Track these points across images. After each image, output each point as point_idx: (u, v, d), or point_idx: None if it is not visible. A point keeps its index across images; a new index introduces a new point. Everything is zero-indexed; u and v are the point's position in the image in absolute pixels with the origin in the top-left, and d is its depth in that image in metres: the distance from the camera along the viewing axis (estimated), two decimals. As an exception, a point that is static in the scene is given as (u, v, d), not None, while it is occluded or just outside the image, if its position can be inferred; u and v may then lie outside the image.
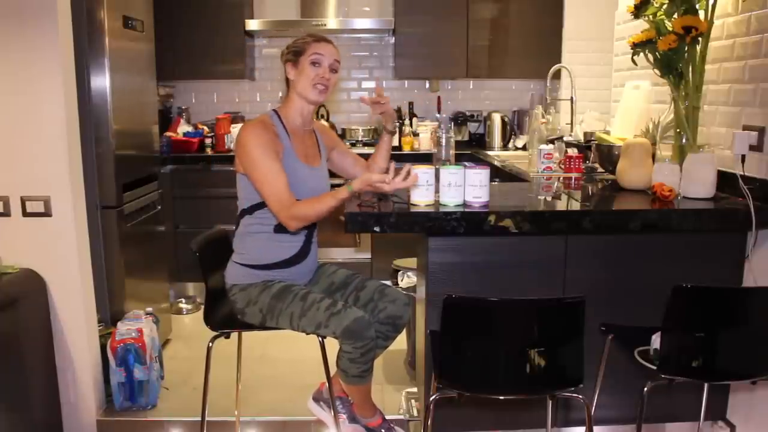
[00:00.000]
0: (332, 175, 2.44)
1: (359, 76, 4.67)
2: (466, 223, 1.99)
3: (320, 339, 2.02)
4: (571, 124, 3.69)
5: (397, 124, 4.16)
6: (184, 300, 4.07)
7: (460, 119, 4.58)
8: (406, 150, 4.31)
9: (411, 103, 4.57)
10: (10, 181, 2.42)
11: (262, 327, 2.08)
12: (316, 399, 2.31)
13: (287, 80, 2.15)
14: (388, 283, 2.41)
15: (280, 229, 2.07)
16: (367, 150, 4.12)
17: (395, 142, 4.33)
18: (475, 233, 2.06)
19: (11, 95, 2.37)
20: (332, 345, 2.01)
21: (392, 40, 4.47)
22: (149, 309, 2.89)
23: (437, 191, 2.08)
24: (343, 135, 4.50)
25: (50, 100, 2.38)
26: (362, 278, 2.21)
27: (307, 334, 2.02)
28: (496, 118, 4.45)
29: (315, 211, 1.98)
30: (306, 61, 2.09)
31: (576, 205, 2.29)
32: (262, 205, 2.07)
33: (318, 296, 2.02)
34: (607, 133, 3.10)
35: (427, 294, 2.20)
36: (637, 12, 2.40)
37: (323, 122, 4.29)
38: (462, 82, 4.69)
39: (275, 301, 2.02)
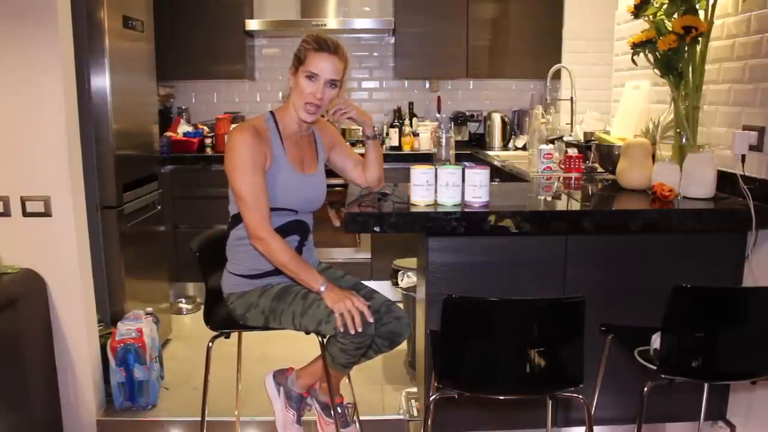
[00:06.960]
0: (335, 175, 2.41)
1: (359, 76, 4.67)
2: (466, 223, 1.99)
3: (320, 339, 2.02)
4: (571, 124, 3.69)
5: (377, 127, 4.10)
6: (184, 300, 4.07)
7: (460, 119, 4.58)
8: (406, 150, 4.31)
9: (411, 103, 4.57)
10: (10, 181, 2.42)
11: (265, 328, 2.07)
12: (278, 382, 2.26)
13: None
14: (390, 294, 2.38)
15: None
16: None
17: (395, 142, 4.35)
18: (475, 233, 2.06)
19: (11, 95, 2.37)
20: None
21: (392, 40, 4.47)
22: (149, 309, 2.89)
23: (437, 191, 2.08)
24: (343, 135, 4.49)
25: (50, 100, 2.38)
26: (370, 289, 2.16)
27: (308, 333, 2.01)
28: (496, 118, 4.44)
29: (282, 257, 1.92)
30: (302, 74, 1.94)
31: (576, 205, 2.29)
32: None
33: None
34: (607, 133, 3.10)
35: (427, 294, 2.20)
36: (637, 12, 2.40)
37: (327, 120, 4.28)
38: (462, 82, 4.69)
39: (276, 302, 2.01)
